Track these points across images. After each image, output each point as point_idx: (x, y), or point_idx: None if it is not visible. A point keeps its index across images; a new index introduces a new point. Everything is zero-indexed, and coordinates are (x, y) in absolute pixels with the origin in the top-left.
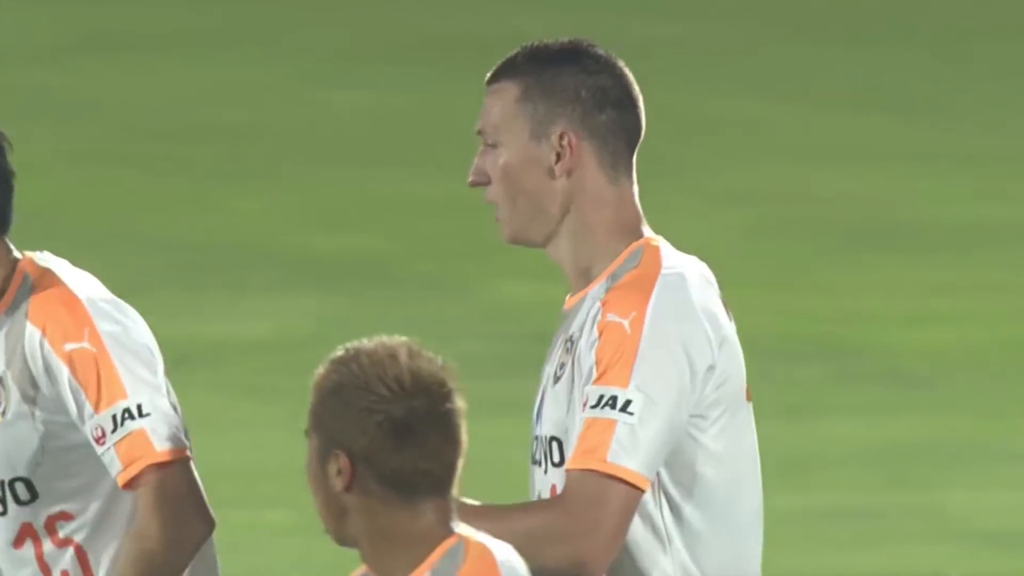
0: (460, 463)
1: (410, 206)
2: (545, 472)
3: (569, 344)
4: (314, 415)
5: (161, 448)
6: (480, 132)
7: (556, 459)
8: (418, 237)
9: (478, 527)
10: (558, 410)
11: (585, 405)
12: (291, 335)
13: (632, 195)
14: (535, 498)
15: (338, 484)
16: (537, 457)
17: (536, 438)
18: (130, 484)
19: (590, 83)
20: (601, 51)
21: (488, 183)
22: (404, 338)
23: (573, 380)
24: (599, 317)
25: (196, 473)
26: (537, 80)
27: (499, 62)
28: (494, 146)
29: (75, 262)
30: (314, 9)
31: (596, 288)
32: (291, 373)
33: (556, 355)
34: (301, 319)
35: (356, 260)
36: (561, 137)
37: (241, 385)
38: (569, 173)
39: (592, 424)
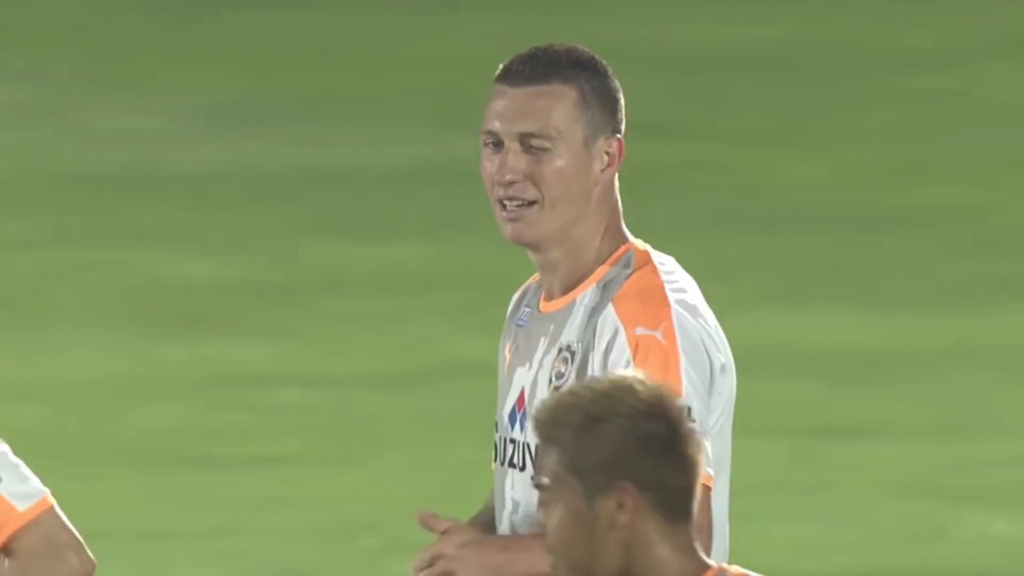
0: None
1: None
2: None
3: (568, 354)
4: (566, 460)
5: (23, 507)
6: (529, 134)
7: None
8: None
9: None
10: None
11: None
12: None
13: None
14: (508, 501)
15: (622, 518)
16: (515, 461)
17: (512, 441)
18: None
19: (617, 90)
20: None
21: (522, 182)
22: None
23: None
24: (619, 333)
25: (62, 517)
26: (590, 86)
27: (529, 62)
28: (545, 149)
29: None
30: None
31: (586, 294)
32: None
33: (541, 358)
34: None
35: None
36: (608, 144)
37: None
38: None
39: None
